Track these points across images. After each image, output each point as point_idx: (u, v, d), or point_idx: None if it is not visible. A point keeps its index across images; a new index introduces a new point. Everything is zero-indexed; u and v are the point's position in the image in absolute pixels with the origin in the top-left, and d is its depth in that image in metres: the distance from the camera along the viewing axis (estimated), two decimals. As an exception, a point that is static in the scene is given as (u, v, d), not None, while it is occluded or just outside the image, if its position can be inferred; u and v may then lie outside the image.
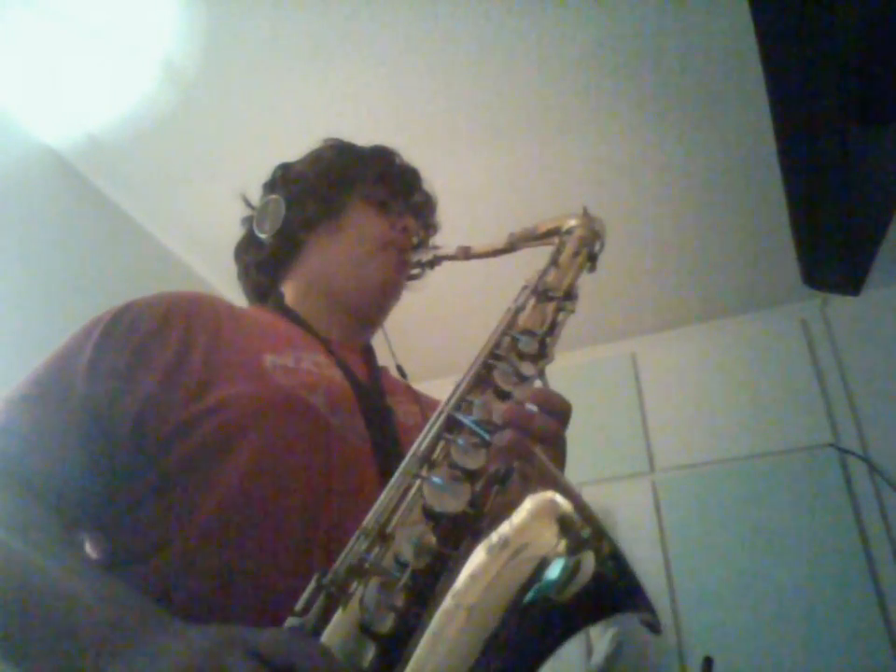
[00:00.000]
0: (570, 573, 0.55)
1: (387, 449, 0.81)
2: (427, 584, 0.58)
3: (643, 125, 2.06)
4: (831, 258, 0.88)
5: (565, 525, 0.58)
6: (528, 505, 0.60)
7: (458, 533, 0.62)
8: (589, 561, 0.56)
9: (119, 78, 1.92)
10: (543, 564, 0.56)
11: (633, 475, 2.60)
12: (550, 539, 0.57)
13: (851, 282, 0.91)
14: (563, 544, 0.57)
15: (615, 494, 2.52)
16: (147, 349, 0.77)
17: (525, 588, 0.55)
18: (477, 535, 0.61)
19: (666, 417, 2.69)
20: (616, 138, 2.09)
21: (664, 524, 2.49)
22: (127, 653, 0.53)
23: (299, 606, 0.56)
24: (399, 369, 1.03)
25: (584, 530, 0.57)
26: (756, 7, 0.63)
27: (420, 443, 0.68)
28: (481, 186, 2.20)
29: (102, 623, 0.57)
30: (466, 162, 2.09)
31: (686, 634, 2.28)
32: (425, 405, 0.96)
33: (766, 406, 2.56)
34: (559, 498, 0.59)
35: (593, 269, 0.91)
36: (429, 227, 1.12)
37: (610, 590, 0.57)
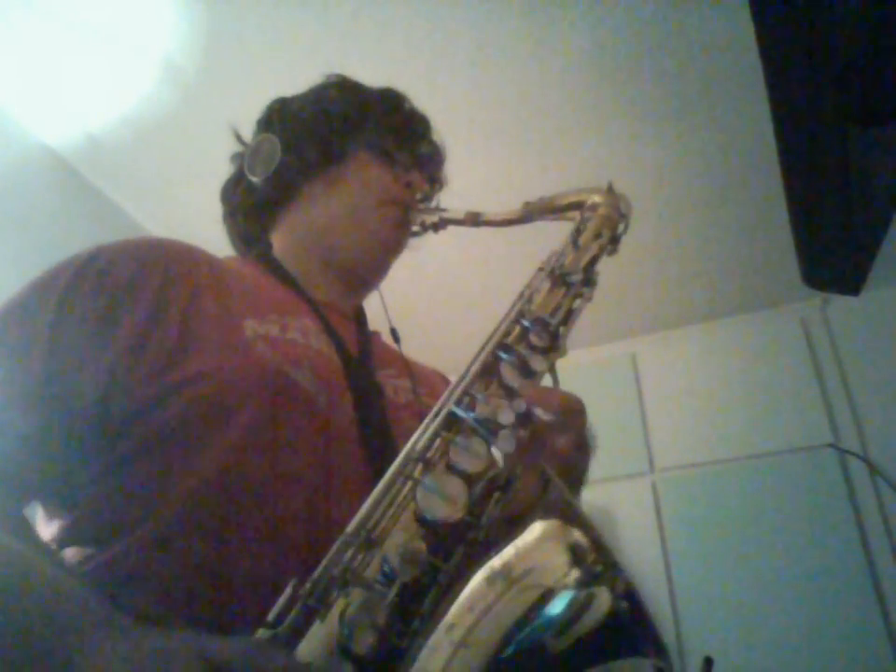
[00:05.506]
0: (579, 609, 0.50)
1: (375, 432, 0.75)
2: (415, 600, 0.53)
3: (643, 125, 2.06)
4: (831, 258, 0.88)
5: (576, 556, 0.53)
6: (536, 531, 0.55)
7: (451, 543, 0.57)
8: (602, 598, 0.51)
9: (119, 78, 1.91)
10: (548, 597, 0.51)
11: (633, 475, 2.60)
12: (558, 570, 0.52)
13: (851, 282, 0.91)
14: (573, 577, 0.52)
15: (615, 494, 2.52)
16: (118, 306, 0.68)
17: (525, 624, 0.50)
18: (472, 546, 0.56)
19: (666, 417, 2.69)
20: (615, 139, 2.09)
21: (664, 524, 2.49)
22: (61, 655, 0.46)
23: (271, 616, 0.50)
24: (393, 332, 0.96)
25: (596, 565, 0.52)
26: (756, 8, 0.63)
27: (416, 441, 0.62)
28: (479, 187, 2.19)
29: (35, 615, 0.48)
30: (464, 164, 2.09)
31: (686, 634, 2.28)
32: (418, 378, 0.90)
33: (766, 406, 2.56)
34: (570, 527, 0.54)
35: (614, 252, 0.84)
36: (435, 181, 1.04)
37: (621, 631, 0.52)
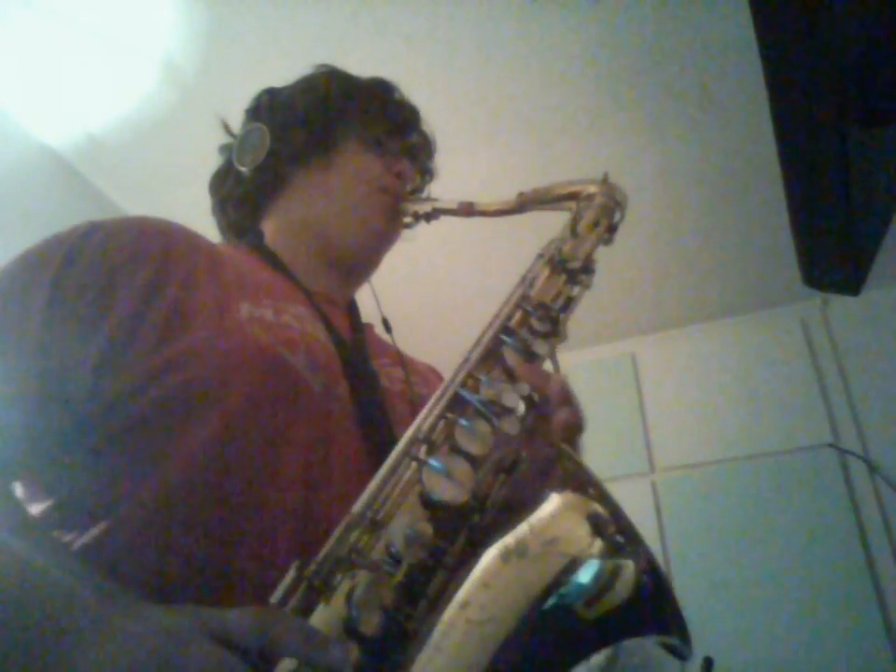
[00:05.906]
0: (607, 580, 0.50)
1: (373, 419, 0.74)
2: (422, 581, 0.53)
3: (643, 125, 2.06)
4: (831, 258, 0.88)
5: (597, 527, 0.52)
6: (553, 504, 0.54)
7: (457, 525, 0.57)
8: (629, 569, 0.50)
9: (119, 78, 1.92)
10: (571, 567, 0.50)
11: (633, 475, 2.60)
12: (581, 540, 0.52)
13: (851, 282, 0.91)
14: (597, 547, 0.51)
15: (615, 494, 2.51)
16: (115, 281, 0.66)
17: (550, 594, 0.49)
18: (475, 529, 0.56)
19: (666, 417, 2.69)
20: (616, 139, 2.09)
21: (664, 524, 2.49)
22: (75, 636, 0.45)
23: (275, 598, 0.50)
24: (385, 322, 0.95)
25: (618, 536, 0.52)
26: (756, 8, 0.63)
27: (421, 423, 0.62)
28: (479, 186, 2.19)
29: (53, 596, 0.48)
30: (465, 163, 2.09)
31: (686, 634, 2.28)
32: (409, 369, 0.90)
33: (766, 406, 2.56)
34: (588, 499, 0.54)
35: (610, 241, 0.85)
36: (426, 171, 1.04)
37: (642, 607, 0.51)
